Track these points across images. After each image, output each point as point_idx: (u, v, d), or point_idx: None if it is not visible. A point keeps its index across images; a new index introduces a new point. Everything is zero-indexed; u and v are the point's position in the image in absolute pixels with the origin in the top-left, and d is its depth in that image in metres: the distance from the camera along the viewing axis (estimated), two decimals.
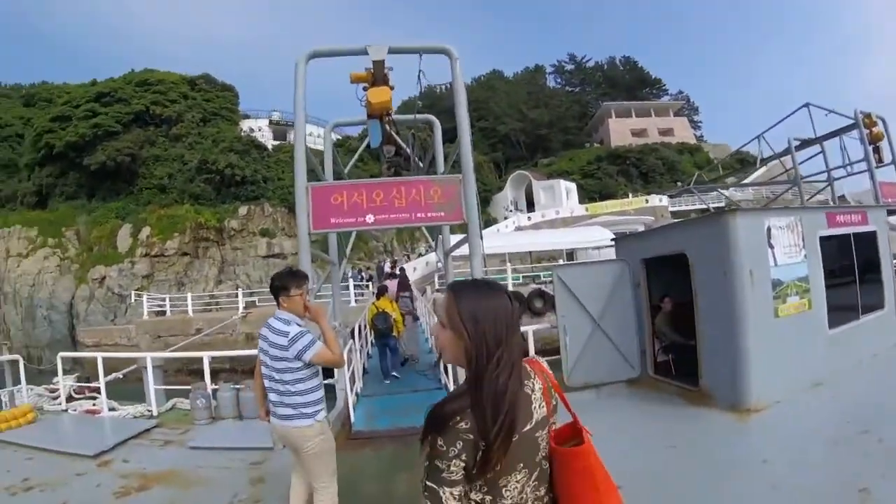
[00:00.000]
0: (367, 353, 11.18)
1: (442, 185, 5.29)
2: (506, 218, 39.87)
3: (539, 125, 65.23)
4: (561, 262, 23.26)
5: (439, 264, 27.17)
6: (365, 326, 10.64)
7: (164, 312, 24.91)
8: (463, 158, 5.44)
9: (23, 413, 7.24)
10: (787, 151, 14.96)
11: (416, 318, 12.31)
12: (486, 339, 1.23)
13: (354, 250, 37.72)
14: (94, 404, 8.05)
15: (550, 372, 1.45)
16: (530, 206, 45.62)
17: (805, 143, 14.68)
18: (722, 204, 41.53)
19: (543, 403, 1.34)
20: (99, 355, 8.19)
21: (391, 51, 5.94)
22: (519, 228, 35.92)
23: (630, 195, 44.33)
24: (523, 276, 23.86)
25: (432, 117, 7.97)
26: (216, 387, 7.20)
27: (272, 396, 3.22)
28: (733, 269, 5.61)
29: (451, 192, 5.28)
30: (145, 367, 7.93)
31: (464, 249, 7.44)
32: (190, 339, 19.83)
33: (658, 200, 42.11)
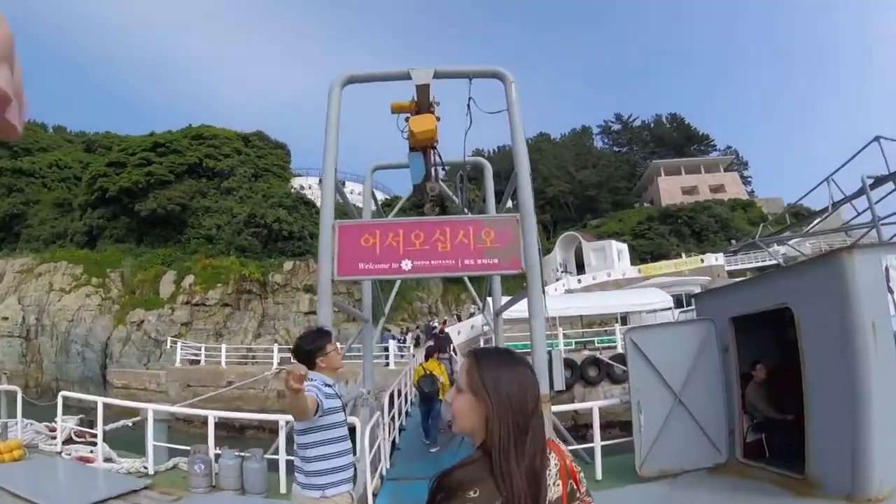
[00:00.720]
0: (406, 411, 10.52)
1: (495, 227, 4.30)
2: (557, 280, 38.41)
3: (587, 186, 65.14)
4: (617, 326, 21.55)
5: (486, 328, 26.31)
6: (406, 387, 10.22)
7: (198, 361, 24.44)
8: (521, 195, 4.45)
9: (9, 449, 6.74)
10: (860, 192, 13.28)
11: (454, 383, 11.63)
12: (512, 408, 1.19)
13: (396, 310, 37.21)
14: (91, 451, 7.35)
15: (569, 454, 1.35)
16: (580, 268, 44.49)
17: (879, 181, 12.97)
18: (780, 260, 39.57)
19: (559, 482, 1.26)
20: (100, 400, 7.49)
21: (437, 75, 5.12)
22: (569, 291, 34.44)
23: (683, 255, 42.57)
24: (575, 342, 22.20)
25: (482, 160, 7.08)
26: (219, 451, 6.20)
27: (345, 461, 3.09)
28: (852, 323, 4.39)
29: (507, 236, 4.28)
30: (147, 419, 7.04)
31: (518, 310, 6.40)
32: (219, 391, 19.03)
33: (714, 259, 40.46)
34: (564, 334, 22.29)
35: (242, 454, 6.05)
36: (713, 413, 5.96)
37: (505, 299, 7.16)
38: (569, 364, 17.57)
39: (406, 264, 4.10)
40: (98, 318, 30.91)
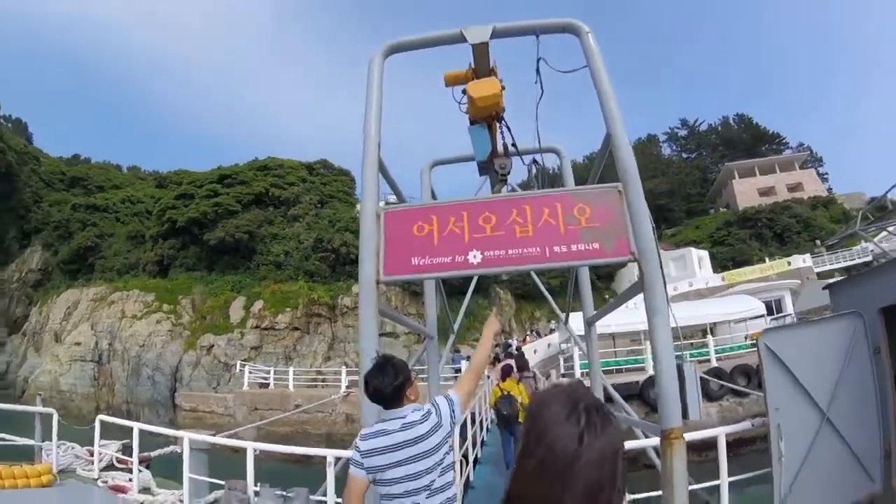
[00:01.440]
0: (482, 440, 9.72)
1: (592, 201, 3.18)
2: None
3: (658, 195, 63.00)
4: (710, 338, 19.56)
5: (564, 346, 24.79)
6: (482, 412, 9.69)
7: (267, 384, 24.38)
8: (622, 160, 3.31)
9: (38, 473, 6.35)
10: None
11: None
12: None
13: (468, 330, 36.24)
14: (129, 479, 6.84)
15: None
16: None
17: None
18: (869, 258, 36.60)
19: None
20: (136, 425, 6.88)
21: (496, 34, 4.12)
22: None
23: (766, 259, 39.58)
24: None
25: (558, 146, 5.96)
26: (258, 488, 5.33)
27: None
28: None
29: (608, 212, 3.15)
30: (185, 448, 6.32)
31: (613, 319, 5.22)
32: (285, 414, 18.61)
33: (802, 261, 37.50)
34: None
35: (285, 493, 5.14)
36: (865, 432, 4.56)
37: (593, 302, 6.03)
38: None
39: (474, 256, 3.05)
40: (168, 343, 31.87)
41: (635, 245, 3.07)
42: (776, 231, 46.72)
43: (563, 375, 19.76)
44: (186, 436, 6.33)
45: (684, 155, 77.77)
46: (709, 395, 15.59)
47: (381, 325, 31.30)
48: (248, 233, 36.34)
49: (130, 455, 6.90)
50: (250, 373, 24.70)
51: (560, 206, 3.22)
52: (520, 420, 8.07)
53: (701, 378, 13.50)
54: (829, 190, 63.44)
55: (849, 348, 4.59)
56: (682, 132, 78.60)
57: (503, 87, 4.25)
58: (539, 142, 4.82)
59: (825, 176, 69.29)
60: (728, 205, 60.94)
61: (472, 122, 4.36)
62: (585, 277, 5.57)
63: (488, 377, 13.17)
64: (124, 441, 7.73)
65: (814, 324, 4.94)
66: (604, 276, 39.90)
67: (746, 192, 58.29)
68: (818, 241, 42.11)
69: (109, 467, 7.48)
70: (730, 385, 14.90)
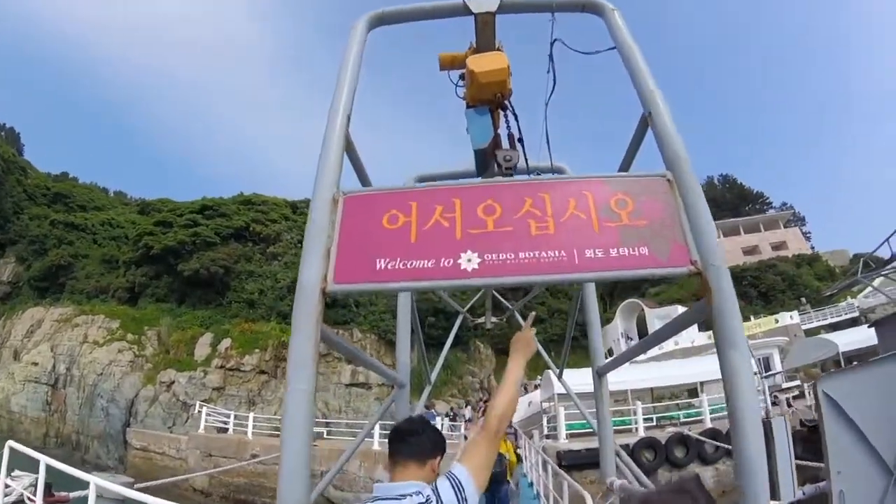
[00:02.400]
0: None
1: (633, 191, 2.25)
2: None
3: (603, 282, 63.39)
4: (704, 397, 18.56)
5: (546, 405, 23.40)
6: None
7: (226, 430, 22.66)
8: (667, 143, 2.40)
9: None
10: None
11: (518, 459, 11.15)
12: None
13: (444, 384, 34.81)
14: None
15: None
16: (643, 336, 41.42)
17: None
18: (856, 314, 36.69)
19: None
20: (43, 459, 5.77)
21: (504, 7, 3.31)
22: (633, 363, 31.43)
23: (752, 317, 39.39)
24: (657, 417, 19.11)
25: (563, 164, 5.07)
26: None
27: None
28: None
29: (657, 207, 2.21)
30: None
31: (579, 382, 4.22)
32: (241, 464, 17.00)
33: (789, 318, 37.56)
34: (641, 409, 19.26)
35: None
36: None
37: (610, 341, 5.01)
38: (651, 444, 14.78)
39: (469, 260, 2.05)
40: (128, 374, 30.20)
41: (698, 254, 2.12)
42: (761, 290, 46.87)
43: (547, 436, 18.45)
44: (94, 481, 5.13)
45: None
46: (703, 458, 14.47)
47: (354, 374, 29.95)
48: (224, 267, 35.07)
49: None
50: (209, 415, 23.07)
51: (592, 197, 2.27)
52: (507, 479, 8.04)
53: (696, 440, 12.46)
54: (813, 248, 64.54)
55: None
56: None
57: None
58: (549, 150, 3.93)
59: (808, 234, 70.90)
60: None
61: (469, 105, 3.49)
62: (595, 317, 4.55)
63: (465, 437, 12.48)
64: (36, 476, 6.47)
65: (873, 366, 4.00)
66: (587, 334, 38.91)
67: (731, 250, 58.67)
68: (803, 299, 42.10)
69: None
70: (726, 446, 13.83)
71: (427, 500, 1.79)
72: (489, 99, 3.42)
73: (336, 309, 32.93)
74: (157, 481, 6.86)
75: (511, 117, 3.48)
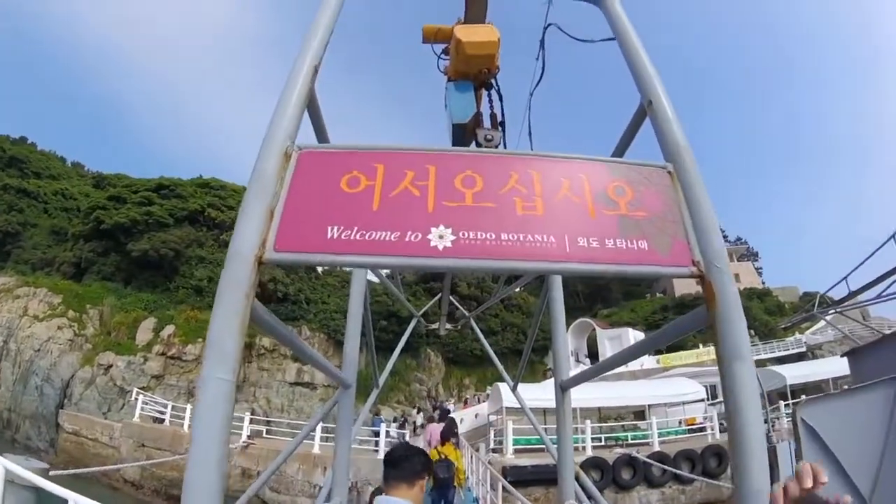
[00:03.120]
0: None
1: (633, 179, 1.96)
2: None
3: (597, 277, 65.04)
4: (654, 420, 18.68)
5: (493, 417, 23.11)
6: None
7: (162, 420, 21.62)
8: (668, 133, 2.12)
9: None
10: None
11: None
12: None
13: (392, 390, 34.21)
14: None
15: None
16: (593, 357, 42.18)
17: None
18: (804, 349, 38.25)
19: None
20: None
21: None
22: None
23: (700, 345, 40.32)
24: (605, 438, 19.07)
25: None
26: None
27: None
28: None
29: (658, 200, 1.93)
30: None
31: (541, 393, 3.94)
32: (175, 457, 16.13)
33: None
34: (591, 427, 19.22)
35: None
36: None
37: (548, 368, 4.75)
38: (598, 464, 14.67)
39: (440, 236, 1.72)
40: (65, 353, 28.54)
41: (699, 252, 1.85)
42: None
43: (493, 450, 18.20)
44: (2, 464, 4.53)
45: None
46: (650, 481, 14.47)
47: (299, 373, 29.24)
48: (175, 250, 33.75)
49: None
50: (145, 403, 21.99)
51: (587, 180, 1.97)
52: (455, 484, 8.51)
53: (644, 462, 12.42)
54: (764, 283, 66.94)
55: (884, 423, 3.58)
56: None
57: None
58: (531, 141, 3.64)
59: (760, 270, 73.80)
60: (665, 290, 62.80)
61: (451, 79, 3.17)
62: (560, 324, 4.27)
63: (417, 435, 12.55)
64: None
65: (851, 394, 3.86)
66: (537, 349, 39.17)
67: (684, 280, 60.20)
68: (752, 331, 43.49)
69: None
70: (674, 470, 13.86)
71: None
72: (474, 74, 3.11)
73: (286, 304, 32.08)
74: (78, 469, 6.21)
75: (496, 97, 3.19)
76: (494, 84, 3.14)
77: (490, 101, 3.15)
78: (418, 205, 1.84)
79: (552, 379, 4.43)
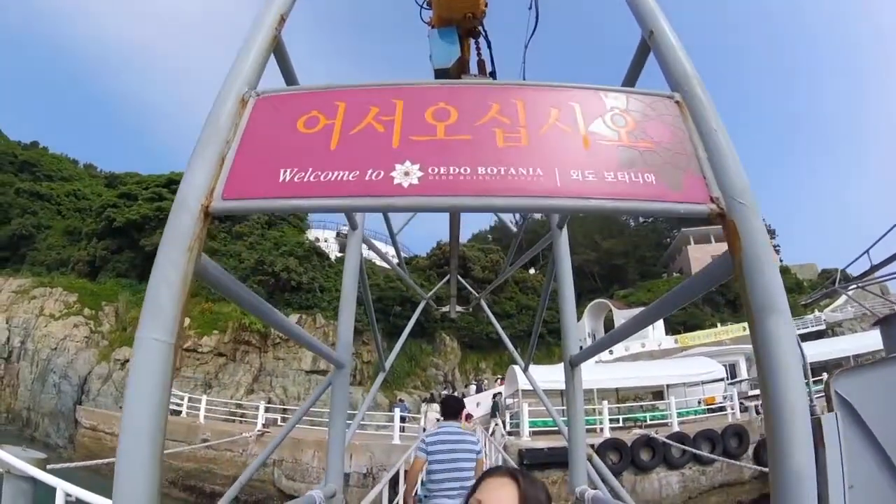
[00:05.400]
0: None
1: (634, 108, 1.70)
2: None
3: (614, 255, 65.15)
4: (673, 399, 18.36)
5: (510, 401, 22.93)
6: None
7: (178, 412, 21.79)
8: (673, 63, 1.84)
9: None
10: None
11: None
12: None
13: (408, 376, 34.17)
14: None
15: None
16: None
17: None
18: (823, 327, 37.51)
19: None
20: None
21: None
22: (599, 362, 31.37)
23: (718, 324, 39.64)
24: (623, 419, 18.78)
25: None
26: None
27: (448, 490, 4.40)
28: None
29: (663, 128, 1.66)
30: None
31: (550, 375, 3.68)
32: (190, 447, 16.19)
33: None
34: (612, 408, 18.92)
35: None
36: None
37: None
38: (616, 445, 14.43)
39: (405, 173, 1.47)
40: (82, 350, 28.87)
41: (717, 187, 1.57)
42: (729, 298, 47.42)
43: (509, 433, 18.00)
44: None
45: (641, 219, 79.90)
46: (669, 463, 14.17)
47: (315, 361, 29.48)
48: None
49: None
50: None
51: (580, 109, 1.70)
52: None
53: (663, 443, 12.11)
54: (782, 261, 65.73)
55: None
56: None
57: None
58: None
59: (777, 248, 72.08)
60: (682, 270, 62.14)
61: (433, 25, 2.89)
62: (569, 291, 4.00)
63: (424, 429, 11.95)
64: None
65: (887, 363, 3.53)
66: (554, 331, 38.84)
67: (701, 258, 59.35)
68: None
69: None
70: (694, 451, 13.55)
71: (477, 438, 4.83)
72: (458, 19, 2.82)
73: (300, 293, 32.07)
74: (73, 464, 6.10)
75: (484, 44, 2.90)
76: (482, 31, 2.86)
77: (478, 48, 2.87)
78: (382, 141, 1.59)
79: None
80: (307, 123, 1.69)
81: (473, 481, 3.75)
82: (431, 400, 25.14)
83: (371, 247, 4.34)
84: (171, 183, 37.09)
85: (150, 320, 1.45)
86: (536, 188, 1.46)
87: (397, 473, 8.22)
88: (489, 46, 2.86)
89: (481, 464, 5.70)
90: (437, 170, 1.48)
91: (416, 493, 5.04)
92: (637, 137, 1.66)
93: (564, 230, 4.13)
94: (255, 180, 1.58)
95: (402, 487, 7.15)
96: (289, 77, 2.43)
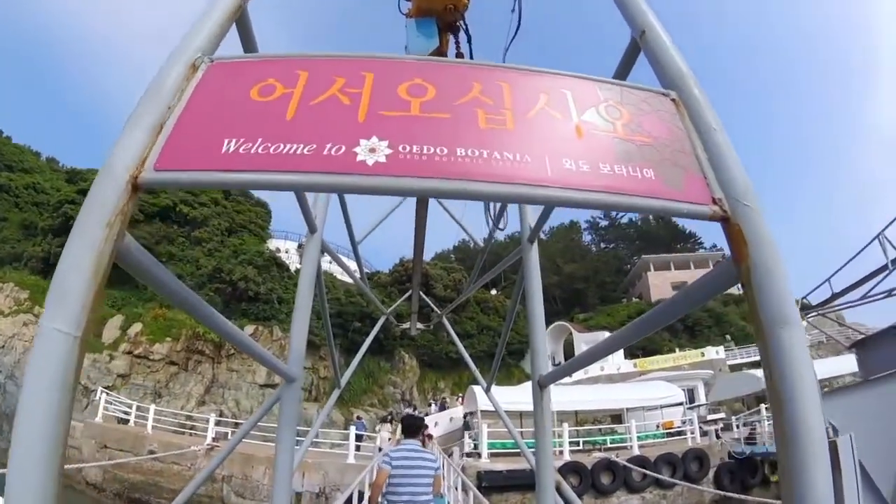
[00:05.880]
0: None
1: (629, 101, 1.54)
2: None
3: (575, 279, 66.36)
4: (633, 423, 18.40)
5: (471, 419, 22.62)
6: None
7: (127, 421, 20.84)
8: (667, 63, 1.70)
9: None
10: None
11: None
12: None
13: (365, 393, 33.50)
14: None
15: None
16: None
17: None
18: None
19: None
20: None
21: None
22: (559, 384, 31.41)
23: (676, 350, 40.50)
24: (583, 441, 18.68)
25: None
26: None
27: (412, 498, 5.07)
28: None
29: (660, 125, 1.51)
30: None
31: (517, 396, 3.51)
32: (137, 458, 15.38)
33: (715, 353, 39.06)
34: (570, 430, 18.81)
35: None
36: None
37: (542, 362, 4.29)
38: (576, 469, 14.30)
39: (371, 149, 1.28)
40: (31, 350, 27.16)
41: (719, 188, 1.40)
42: (687, 324, 48.45)
43: (468, 455, 17.68)
44: None
45: (602, 245, 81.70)
46: (630, 486, 14.11)
47: (270, 375, 28.70)
48: (145, 246, 31.68)
49: None
50: (110, 403, 21.12)
51: (571, 96, 1.53)
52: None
53: (624, 467, 12.03)
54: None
55: None
56: (604, 222, 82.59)
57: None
58: None
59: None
60: (641, 295, 63.37)
61: (410, 15, 2.71)
62: (538, 308, 3.83)
63: (379, 449, 11.84)
64: None
65: (866, 386, 3.45)
66: (514, 352, 38.79)
67: (660, 284, 60.67)
68: (728, 336, 43.86)
69: None
70: (655, 475, 13.52)
71: (434, 456, 5.62)
72: (439, 11, 2.65)
73: (257, 303, 31.23)
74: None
75: (463, 39, 2.74)
76: (463, 25, 2.70)
77: (457, 43, 2.70)
78: (346, 114, 1.37)
79: (529, 382, 3.99)
80: (262, 91, 1.46)
81: (429, 495, 5.04)
82: (386, 420, 24.64)
83: (329, 253, 4.08)
84: None
85: (54, 307, 1.20)
86: (524, 175, 1.27)
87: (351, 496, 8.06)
88: (469, 42, 2.70)
89: (439, 479, 5.87)
90: (408, 148, 1.28)
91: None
92: (633, 131, 1.49)
93: (535, 245, 3.98)
94: (194, 150, 1.34)
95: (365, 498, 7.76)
96: (250, 45, 2.20)
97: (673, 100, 1.66)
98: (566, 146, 1.36)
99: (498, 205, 3.28)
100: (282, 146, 1.30)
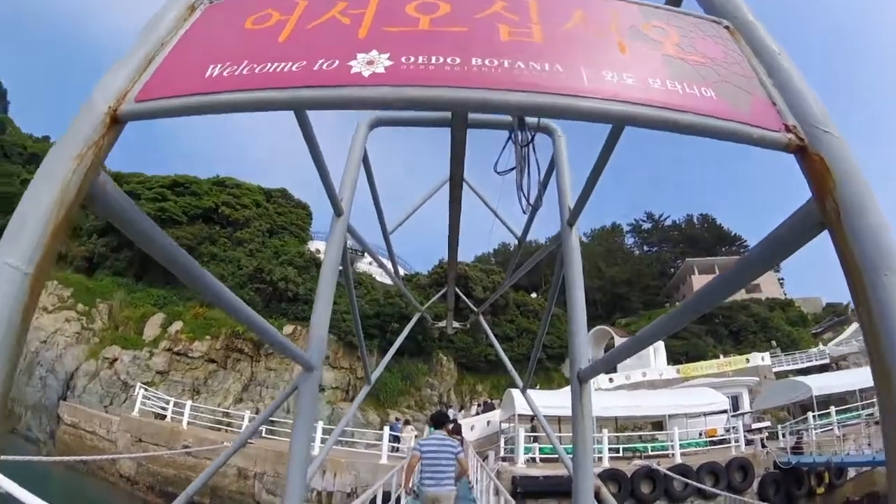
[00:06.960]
0: None
1: (679, 24, 1.31)
2: None
3: (617, 283, 64.84)
4: (676, 430, 17.75)
5: (505, 425, 22.31)
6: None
7: (164, 416, 21.35)
8: None
9: None
10: None
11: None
12: None
13: (403, 395, 33.49)
14: None
15: None
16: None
17: None
18: (827, 361, 37.06)
19: None
20: None
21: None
22: (598, 390, 30.71)
23: (721, 356, 39.05)
24: (623, 448, 18.14)
25: (551, 122, 4.10)
26: None
27: (433, 477, 6.57)
28: None
29: (716, 48, 1.27)
30: None
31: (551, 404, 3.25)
32: (171, 452, 15.70)
33: (760, 359, 37.25)
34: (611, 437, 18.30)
35: None
36: None
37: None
38: (615, 476, 13.84)
39: (368, 62, 1.11)
40: (72, 346, 28.44)
41: (791, 115, 1.15)
42: (732, 329, 46.82)
43: (503, 459, 17.35)
44: None
45: (646, 248, 79.76)
46: (671, 496, 13.55)
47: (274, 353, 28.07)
48: (188, 247, 33.34)
49: None
50: (147, 399, 21.65)
51: (611, 10, 1.30)
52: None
53: (665, 476, 11.52)
54: (786, 294, 65.11)
55: None
56: (647, 225, 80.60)
57: None
58: None
59: (782, 280, 71.31)
60: (685, 299, 61.61)
61: None
62: (580, 303, 3.56)
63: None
64: None
65: None
66: (554, 356, 38.13)
67: None
68: (773, 342, 42.14)
69: None
70: (698, 484, 12.94)
71: (457, 444, 7.17)
72: None
73: (297, 303, 31.60)
74: (17, 457, 5.65)
75: None
76: None
77: None
78: (345, 32, 1.19)
79: (569, 387, 3.67)
80: (257, 21, 1.29)
81: (452, 473, 6.68)
82: (408, 423, 24.58)
83: (357, 238, 3.90)
84: (176, 185, 37.02)
85: (9, 239, 1.06)
86: (555, 84, 1.05)
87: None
88: None
89: (462, 461, 7.12)
90: (411, 58, 1.08)
91: (412, 483, 7.03)
92: (685, 51, 1.26)
93: (575, 229, 3.71)
94: (176, 81, 1.19)
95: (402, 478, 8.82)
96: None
97: (727, 27, 1.42)
98: (607, 58, 1.15)
99: (533, 179, 3.01)
100: (269, 65, 1.13)
